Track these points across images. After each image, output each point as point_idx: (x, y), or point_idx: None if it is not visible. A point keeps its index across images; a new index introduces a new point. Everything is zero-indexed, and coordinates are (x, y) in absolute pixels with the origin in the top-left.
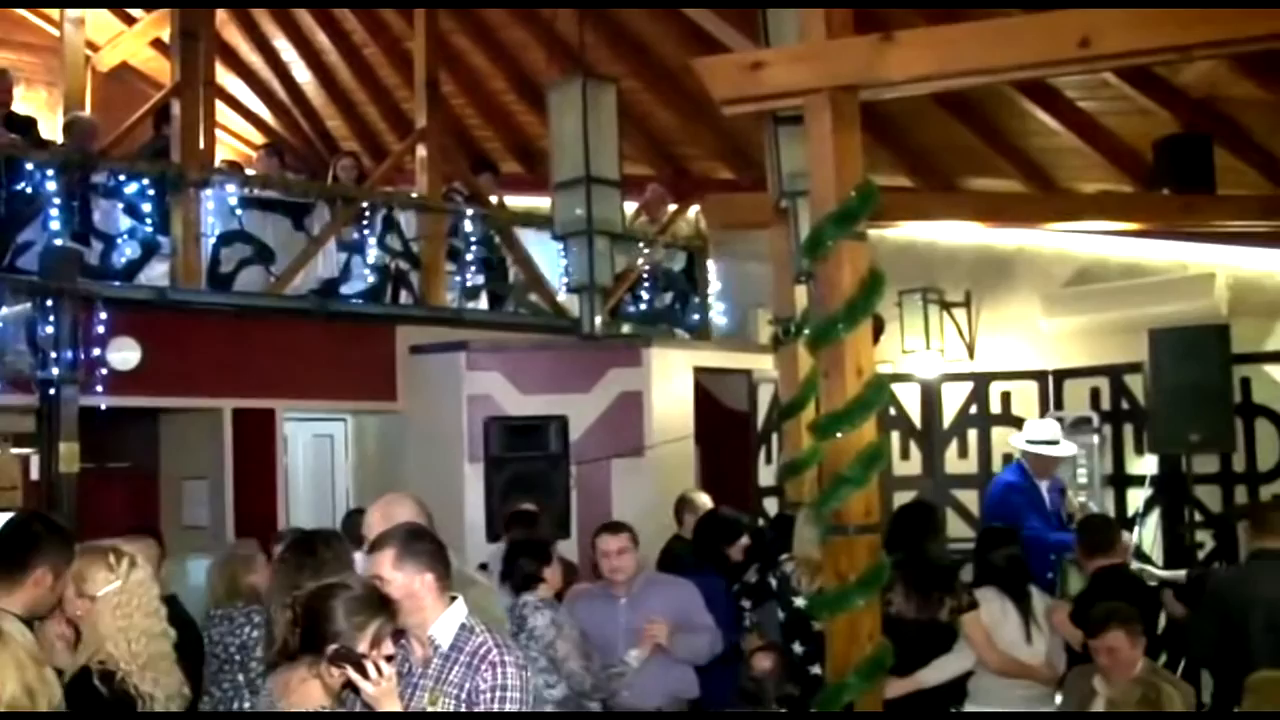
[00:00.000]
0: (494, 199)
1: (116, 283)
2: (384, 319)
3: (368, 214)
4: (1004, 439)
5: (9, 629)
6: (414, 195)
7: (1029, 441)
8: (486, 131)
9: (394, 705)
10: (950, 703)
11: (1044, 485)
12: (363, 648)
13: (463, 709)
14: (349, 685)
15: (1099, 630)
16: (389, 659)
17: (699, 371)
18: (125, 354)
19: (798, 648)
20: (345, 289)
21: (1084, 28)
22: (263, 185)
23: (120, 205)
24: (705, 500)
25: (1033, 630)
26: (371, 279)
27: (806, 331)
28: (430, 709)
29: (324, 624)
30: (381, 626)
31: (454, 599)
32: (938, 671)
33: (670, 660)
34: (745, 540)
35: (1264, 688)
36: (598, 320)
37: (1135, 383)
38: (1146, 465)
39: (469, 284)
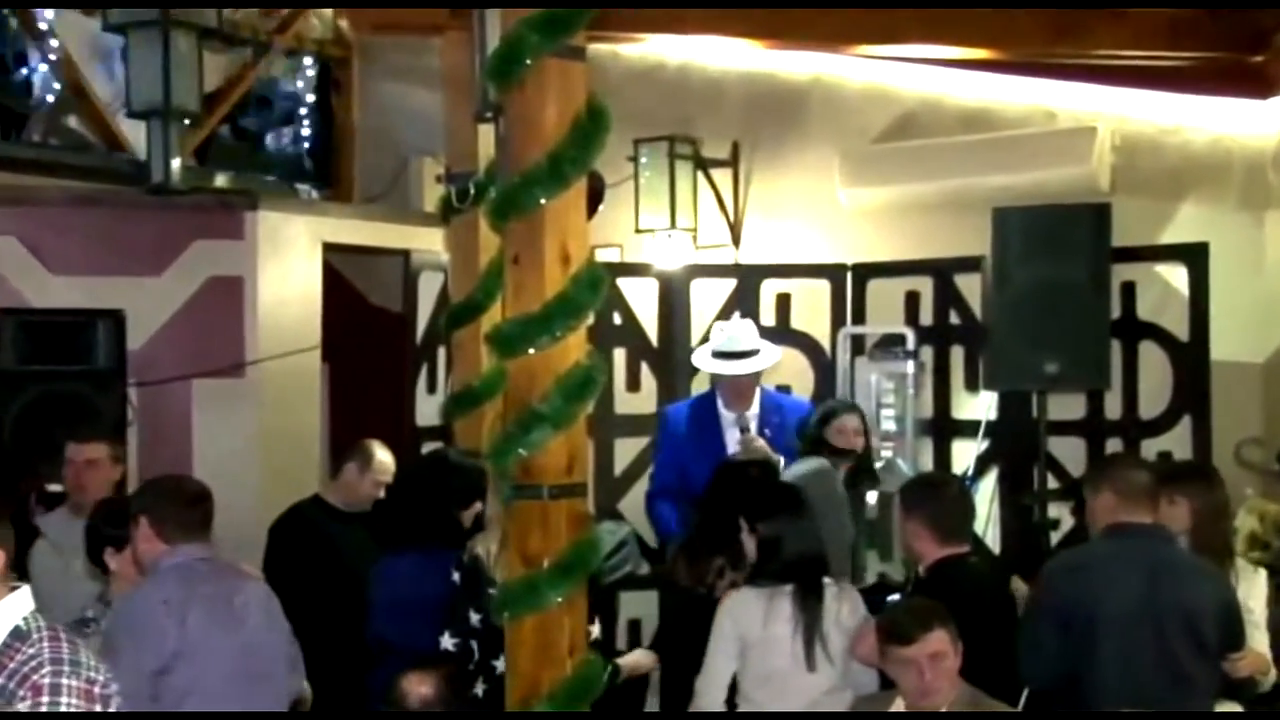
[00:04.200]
0: None
1: None
2: None
3: None
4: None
5: None
6: None
7: (714, 355)
8: None
9: None
10: None
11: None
12: None
13: None
14: None
15: (918, 633)
16: None
17: (331, 250)
18: None
19: (500, 665)
20: None
21: None
22: None
23: None
24: (387, 459)
25: (818, 655)
26: None
27: (491, 195)
28: None
29: None
30: None
31: (15, 589)
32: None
33: None
34: (480, 505)
35: None
36: (175, 164)
37: (971, 285)
38: (981, 406)
39: None
